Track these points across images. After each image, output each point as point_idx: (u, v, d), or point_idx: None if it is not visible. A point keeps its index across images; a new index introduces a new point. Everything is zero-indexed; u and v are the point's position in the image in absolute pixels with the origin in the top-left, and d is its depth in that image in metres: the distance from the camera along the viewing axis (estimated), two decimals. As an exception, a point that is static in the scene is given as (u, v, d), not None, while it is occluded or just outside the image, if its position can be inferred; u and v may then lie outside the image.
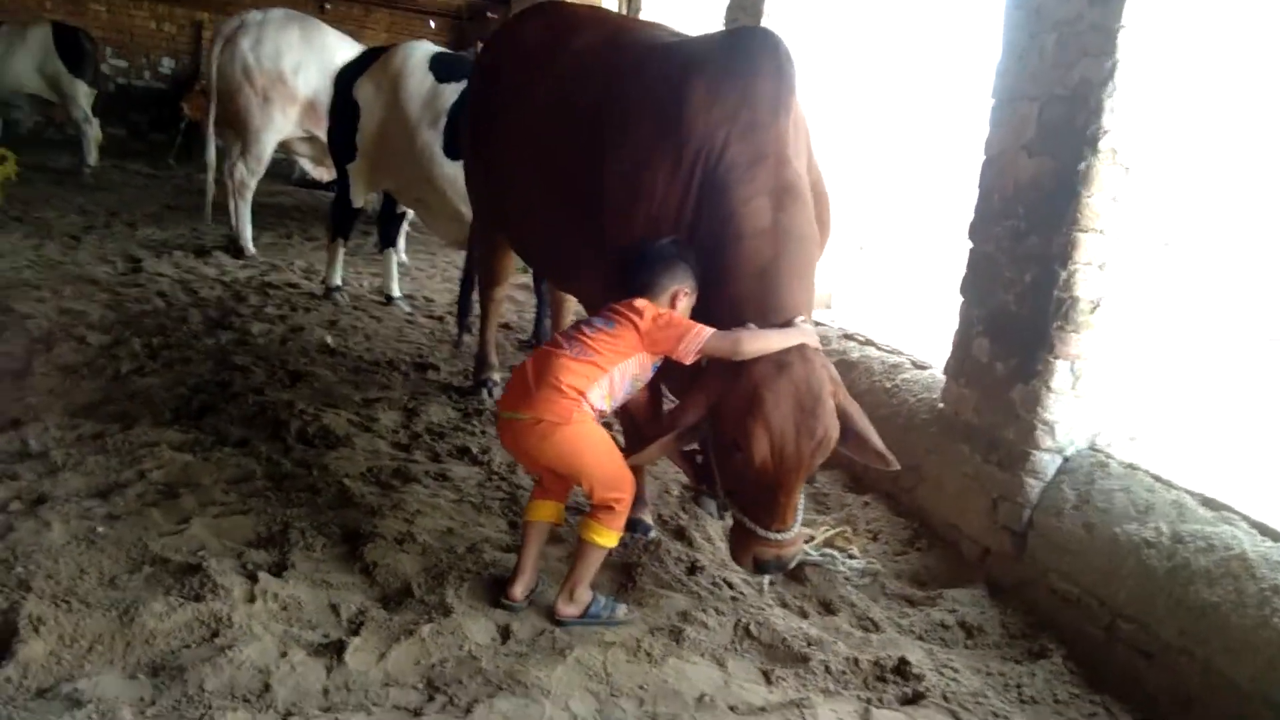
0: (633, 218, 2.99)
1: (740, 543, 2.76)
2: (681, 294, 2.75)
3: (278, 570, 2.78)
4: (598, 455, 2.69)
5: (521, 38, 4.09)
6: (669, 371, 3.00)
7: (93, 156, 10.25)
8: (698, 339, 2.59)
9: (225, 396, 4.15)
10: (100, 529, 2.84)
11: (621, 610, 2.82)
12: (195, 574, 2.63)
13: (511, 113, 3.86)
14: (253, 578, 2.68)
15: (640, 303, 2.69)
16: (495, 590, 2.83)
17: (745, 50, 3.04)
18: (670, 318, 2.66)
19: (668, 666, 2.60)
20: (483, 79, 4.27)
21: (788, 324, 2.68)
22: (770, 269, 2.79)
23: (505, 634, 2.66)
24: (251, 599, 2.59)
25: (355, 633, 2.54)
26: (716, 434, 2.70)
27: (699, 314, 2.82)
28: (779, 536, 2.67)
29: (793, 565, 2.85)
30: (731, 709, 2.47)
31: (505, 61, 4.10)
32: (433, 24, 16.94)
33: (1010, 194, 3.38)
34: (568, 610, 2.75)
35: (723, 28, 5.95)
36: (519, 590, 2.79)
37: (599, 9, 4.67)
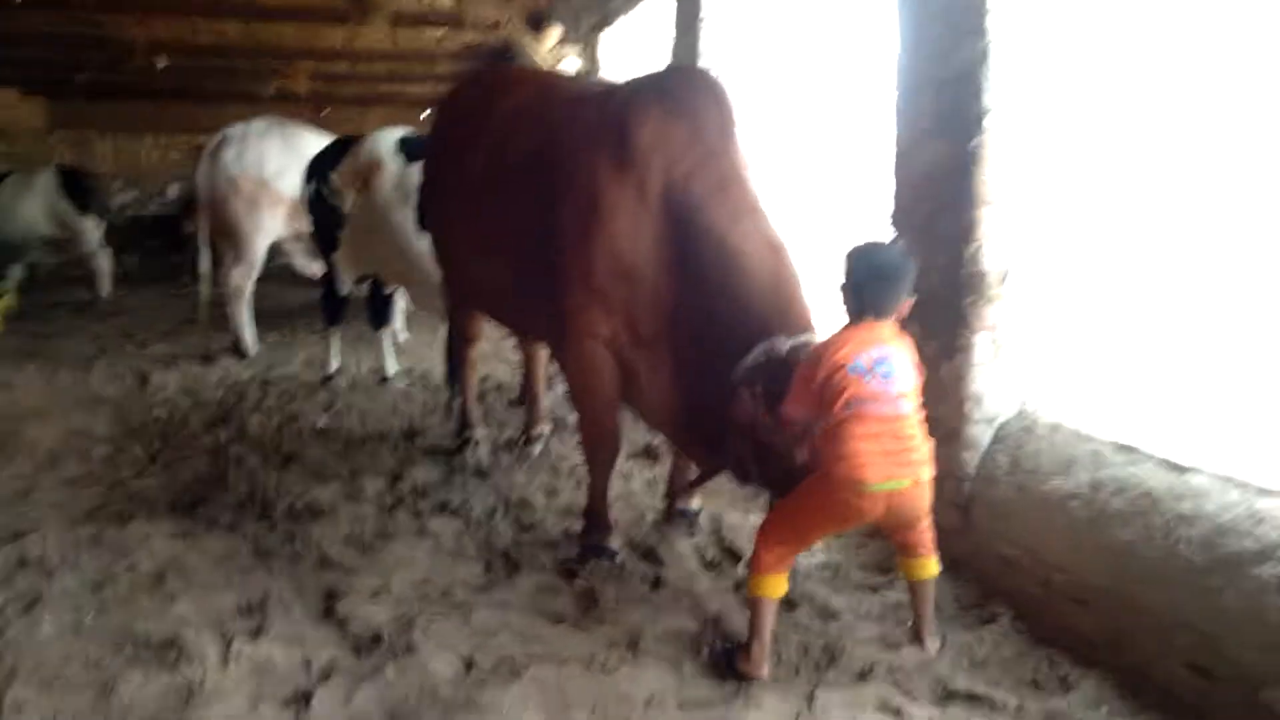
0: (592, 254, 3.17)
1: None
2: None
3: (254, 634, 2.95)
4: None
5: (459, 103, 4.37)
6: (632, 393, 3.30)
7: (105, 287, 10.70)
8: None
9: (219, 486, 4.37)
10: (88, 620, 3.04)
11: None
12: (172, 647, 2.81)
13: (454, 174, 4.11)
14: (229, 644, 2.85)
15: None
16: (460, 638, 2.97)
17: (686, 86, 3.30)
18: None
19: (621, 675, 2.72)
20: (430, 147, 4.55)
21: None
22: (779, 280, 3.01)
23: (469, 665, 2.79)
24: (225, 663, 2.76)
25: (324, 680, 2.70)
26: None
27: (703, 337, 3.05)
28: None
29: None
30: (679, 706, 2.58)
31: (446, 126, 4.37)
32: (427, 113, 17.54)
33: (918, 181, 3.52)
34: (935, 645, 2.82)
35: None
36: (767, 668, 2.72)
37: (531, 70, 4.93)
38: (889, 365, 2.59)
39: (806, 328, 2.97)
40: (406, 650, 2.85)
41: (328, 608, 3.15)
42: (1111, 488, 2.70)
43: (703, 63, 5.95)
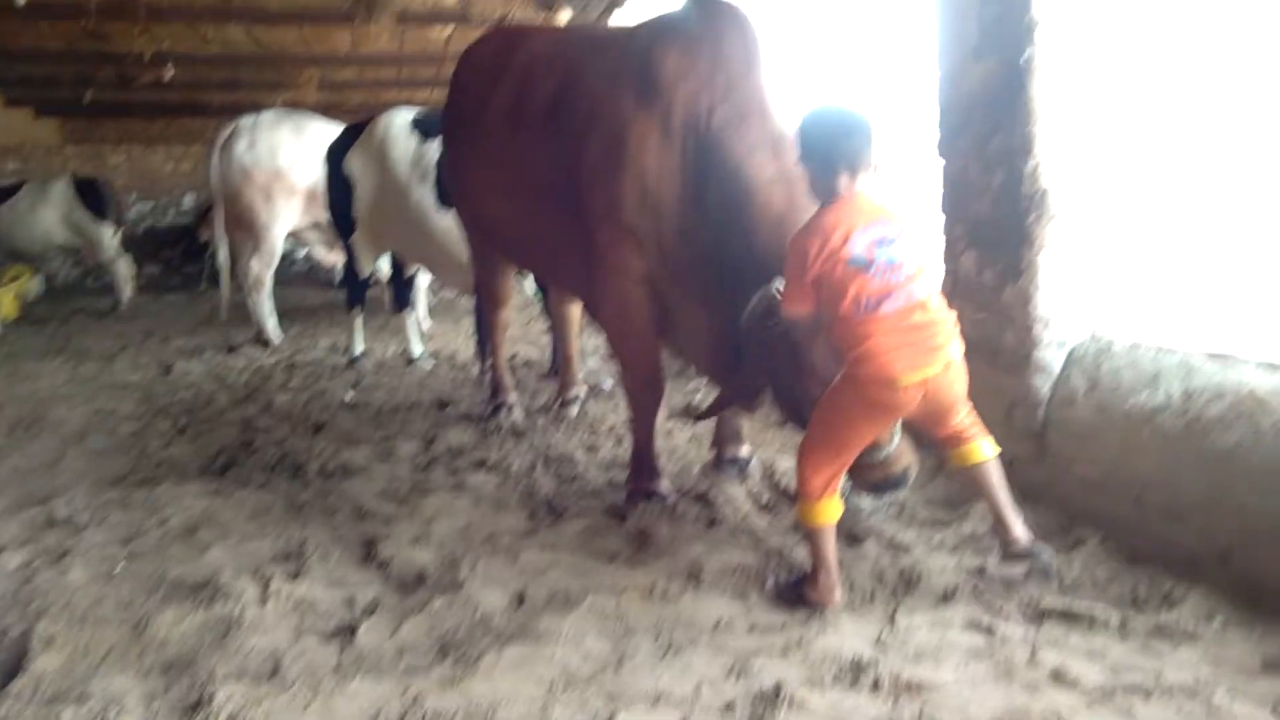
0: (620, 189, 3.08)
1: (853, 474, 2.66)
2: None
3: (293, 576, 2.80)
4: None
5: (475, 60, 4.26)
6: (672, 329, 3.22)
7: (126, 293, 10.61)
8: None
9: (249, 452, 4.23)
10: (119, 568, 2.89)
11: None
12: (208, 587, 2.66)
13: (475, 129, 3.98)
14: (266, 584, 2.70)
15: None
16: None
17: (708, 18, 3.20)
18: None
19: (684, 602, 2.56)
20: (448, 109, 4.42)
21: None
22: (787, 218, 2.86)
23: (520, 599, 2.63)
24: (264, 601, 2.61)
25: (369, 615, 2.54)
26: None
27: (722, 269, 2.96)
28: (880, 455, 2.59)
29: (910, 478, 2.70)
30: (750, 630, 2.41)
31: (465, 84, 4.25)
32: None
33: (967, 103, 3.37)
34: (1027, 535, 2.55)
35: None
36: (839, 594, 2.52)
37: (544, 26, 4.83)
38: (890, 248, 2.36)
39: None
40: (453, 586, 2.69)
41: (367, 553, 3.00)
42: (1207, 395, 2.52)
43: None
